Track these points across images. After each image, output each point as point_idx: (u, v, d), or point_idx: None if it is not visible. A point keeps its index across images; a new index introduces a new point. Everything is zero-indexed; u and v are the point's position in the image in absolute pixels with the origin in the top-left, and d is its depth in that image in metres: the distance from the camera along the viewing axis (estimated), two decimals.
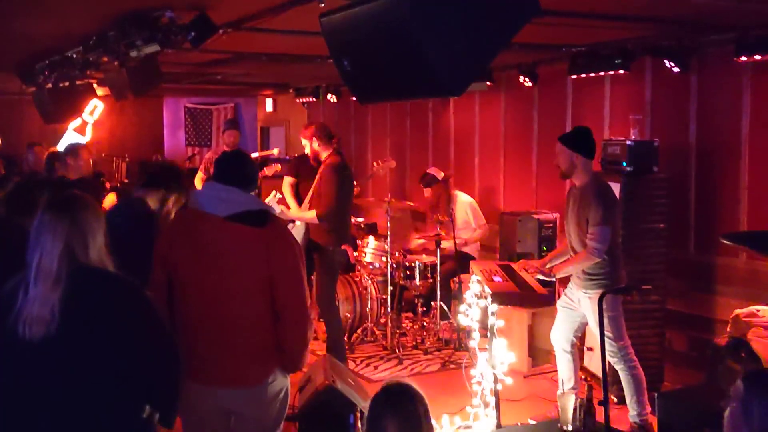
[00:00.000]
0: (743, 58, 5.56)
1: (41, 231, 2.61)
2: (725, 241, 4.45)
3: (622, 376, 4.99)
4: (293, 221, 6.49)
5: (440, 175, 7.88)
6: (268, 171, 8.36)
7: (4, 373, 2.61)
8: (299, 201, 6.79)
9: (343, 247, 6.27)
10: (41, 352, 2.55)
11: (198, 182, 8.23)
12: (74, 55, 6.47)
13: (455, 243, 7.19)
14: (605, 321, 4.59)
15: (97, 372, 2.59)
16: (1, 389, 2.61)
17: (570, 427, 4.09)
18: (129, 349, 2.63)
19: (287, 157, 10.03)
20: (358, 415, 3.74)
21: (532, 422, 5.16)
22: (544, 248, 6.69)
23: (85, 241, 2.63)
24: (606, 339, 4.81)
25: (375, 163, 8.10)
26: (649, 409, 4.99)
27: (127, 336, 2.63)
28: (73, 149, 6.54)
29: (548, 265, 5.25)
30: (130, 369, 2.63)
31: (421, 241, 7.90)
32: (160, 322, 2.81)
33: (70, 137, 10.57)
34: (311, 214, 6.14)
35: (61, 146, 9.99)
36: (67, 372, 2.58)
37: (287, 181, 7.06)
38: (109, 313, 2.62)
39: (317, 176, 6.28)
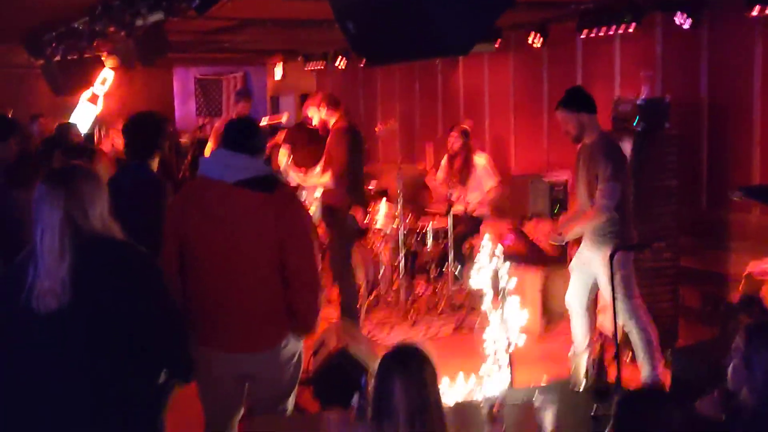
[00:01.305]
0: (755, 12, 5.47)
1: (39, 204, 2.60)
2: (735, 198, 4.41)
3: (633, 335, 4.98)
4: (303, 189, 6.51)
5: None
6: (280, 138, 8.33)
7: (21, 347, 2.63)
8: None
9: (351, 211, 6.28)
10: (55, 325, 2.56)
11: (208, 152, 8.23)
12: (81, 26, 6.46)
13: (465, 207, 7.16)
14: (617, 279, 4.59)
15: (111, 340, 2.60)
16: (19, 362, 2.63)
17: (582, 387, 4.11)
18: (138, 314, 2.64)
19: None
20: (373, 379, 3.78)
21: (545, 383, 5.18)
22: (556, 209, 6.66)
23: (84, 209, 2.61)
24: (617, 297, 4.81)
25: (377, 127, 8.03)
26: (661, 367, 4.99)
27: (136, 302, 2.64)
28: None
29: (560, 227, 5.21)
30: (141, 335, 2.65)
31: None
32: (164, 287, 2.81)
33: (82, 108, 10.57)
34: (325, 178, 6.18)
35: (73, 118, 10.03)
36: (81, 342, 2.59)
37: (283, 151, 7.06)
38: (117, 280, 2.62)
39: (327, 143, 6.30)
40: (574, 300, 5.24)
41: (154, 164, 4.17)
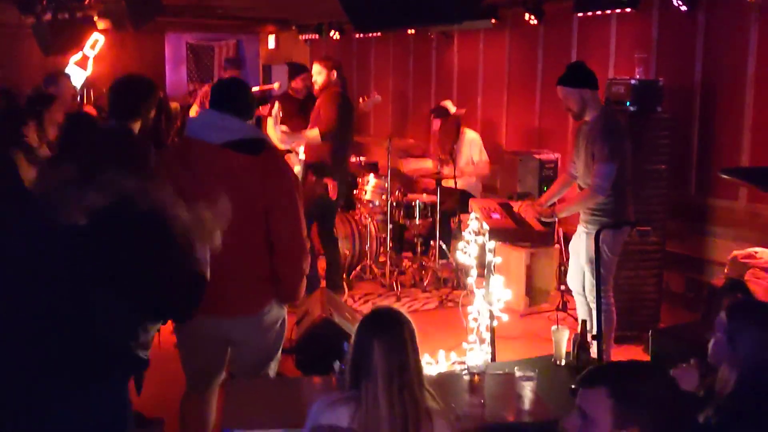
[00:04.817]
0: None
1: None
2: (724, 176, 4.40)
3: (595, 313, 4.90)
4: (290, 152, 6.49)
5: (453, 109, 7.75)
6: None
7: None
8: None
9: (325, 180, 6.27)
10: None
11: (193, 114, 8.16)
12: None
13: (455, 182, 7.15)
14: (601, 258, 4.58)
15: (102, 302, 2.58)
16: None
17: (563, 362, 4.11)
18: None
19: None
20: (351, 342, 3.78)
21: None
22: (545, 188, 6.66)
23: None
24: (592, 275, 4.80)
25: (360, 99, 7.96)
26: (612, 350, 4.97)
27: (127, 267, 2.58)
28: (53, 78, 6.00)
29: (548, 204, 5.15)
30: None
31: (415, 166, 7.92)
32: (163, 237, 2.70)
33: (71, 71, 10.46)
34: (314, 133, 6.17)
35: None
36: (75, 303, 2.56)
37: (270, 121, 7.00)
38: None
39: (317, 103, 6.34)
40: (573, 281, 5.15)
41: (135, 127, 3.92)
